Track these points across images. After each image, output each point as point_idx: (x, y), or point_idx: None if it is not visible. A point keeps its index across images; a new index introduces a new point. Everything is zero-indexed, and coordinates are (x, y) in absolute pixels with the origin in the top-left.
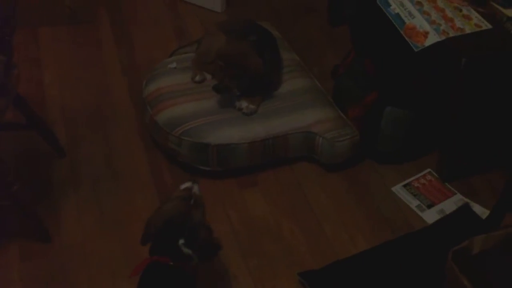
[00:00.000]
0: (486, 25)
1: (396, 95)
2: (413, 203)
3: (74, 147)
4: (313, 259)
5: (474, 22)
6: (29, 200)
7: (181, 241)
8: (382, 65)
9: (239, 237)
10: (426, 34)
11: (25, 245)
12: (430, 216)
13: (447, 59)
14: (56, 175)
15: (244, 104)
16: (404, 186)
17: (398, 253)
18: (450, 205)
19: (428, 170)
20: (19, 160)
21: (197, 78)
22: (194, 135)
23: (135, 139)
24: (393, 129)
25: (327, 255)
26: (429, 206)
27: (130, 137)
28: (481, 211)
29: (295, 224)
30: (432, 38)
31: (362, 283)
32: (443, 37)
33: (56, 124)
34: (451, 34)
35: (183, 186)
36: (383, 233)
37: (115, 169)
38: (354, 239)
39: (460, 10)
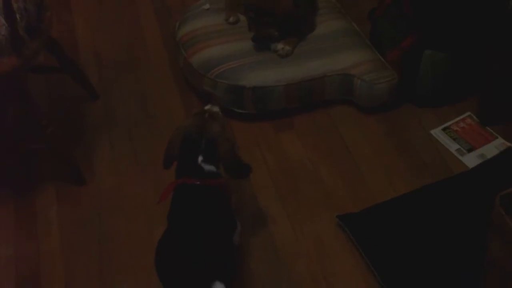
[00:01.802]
0: None
1: (436, 38)
2: (453, 147)
3: (107, 90)
4: (352, 203)
5: None
6: (64, 143)
7: (200, 158)
8: (421, 7)
9: (276, 179)
10: None
11: (62, 188)
12: (471, 160)
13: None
14: (90, 118)
15: (279, 45)
16: (443, 129)
17: (438, 197)
18: (491, 149)
19: (468, 113)
20: (53, 103)
21: (231, 19)
22: (229, 77)
23: (169, 82)
24: (433, 72)
25: (366, 198)
26: (469, 150)
27: (163, 80)
28: None
29: (333, 167)
30: None
31: (402, 227)
32: None
33: (89, 67)
34: None
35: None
36: (422, 177)
37: (149, 112)
38: (393, 182)
39: None
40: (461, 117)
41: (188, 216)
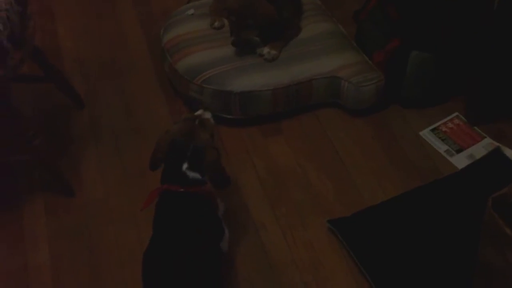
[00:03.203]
0: None
1: (422, 39)
2: (442, 148)
3: (92, 99)
4: (342, 206)
5: None
6: (51, 155)
7: (185, 166)
8: (406, 9)
9: (265, 185)
10: None
11: (50, 200)
12: (460, 161)
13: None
14: (76, 128)
15: (265, 50)
16: (432, 130)
17: (429, 199)
18: (479, 149)
19: (456, 114)
20: (38, 113)
21: (216, 24)
22: (215, 83)
23: (154, 89)
24: (419, 74)
25: (356, 202)
26: (458, 151)
27: (149, 87)
28: None
29: (322, 171)
30: None
31: (393, 230)
32: None
33: (73, 75)
34: None
35: (195, 114)
36: (412, 179)
37: (135, 121)
38: (383, 185)
39: None
40: (449, 117)
41: (172, 224)
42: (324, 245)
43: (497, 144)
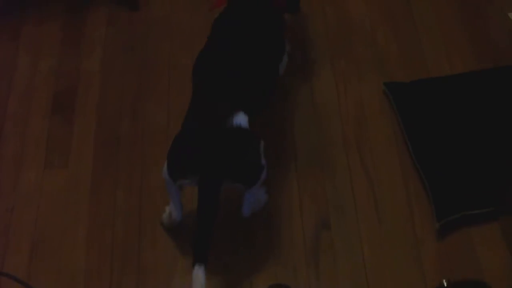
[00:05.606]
0: None
1: None
2: None
3: None
4: (403, 71)
5: None
6: None
7: None
8: None
9: (330, 35)
10: None
11: (113, 11)
12: None
13: None
14: None
15: None
16: None
17: (497, 85)
18: None
19: None
20: None
21: None
22: None
23: None
24: None
25: (419, 70)
26: None
27: None
28: None
29: (392, 32)
30: None
31: (449, 108)
32: None
33: None
34: None
35: None
36: (486, 60)
37: None
38: (452, 59)
39: None
40: None
41: (238, 30)
42: (374, 105)
43: None
